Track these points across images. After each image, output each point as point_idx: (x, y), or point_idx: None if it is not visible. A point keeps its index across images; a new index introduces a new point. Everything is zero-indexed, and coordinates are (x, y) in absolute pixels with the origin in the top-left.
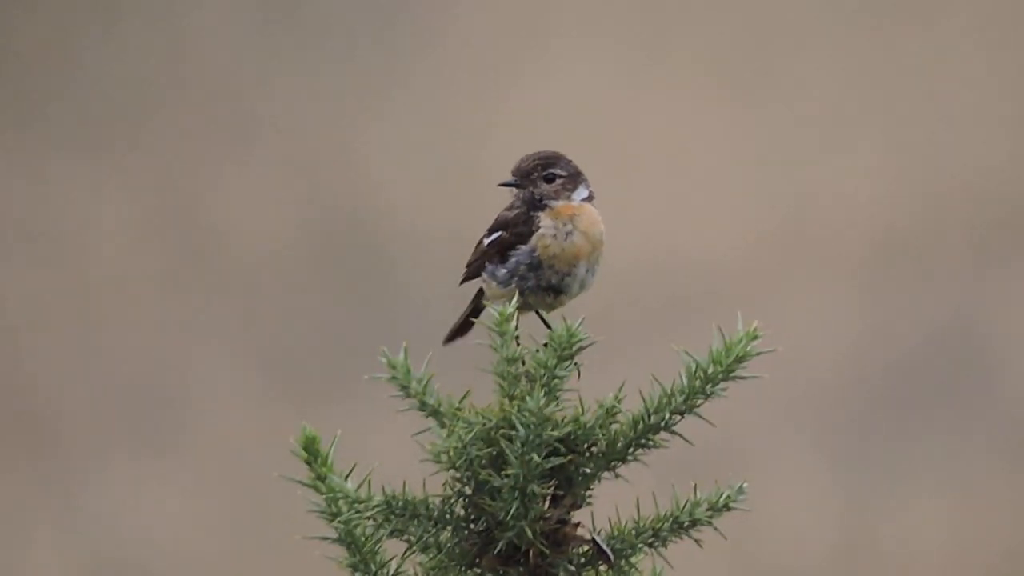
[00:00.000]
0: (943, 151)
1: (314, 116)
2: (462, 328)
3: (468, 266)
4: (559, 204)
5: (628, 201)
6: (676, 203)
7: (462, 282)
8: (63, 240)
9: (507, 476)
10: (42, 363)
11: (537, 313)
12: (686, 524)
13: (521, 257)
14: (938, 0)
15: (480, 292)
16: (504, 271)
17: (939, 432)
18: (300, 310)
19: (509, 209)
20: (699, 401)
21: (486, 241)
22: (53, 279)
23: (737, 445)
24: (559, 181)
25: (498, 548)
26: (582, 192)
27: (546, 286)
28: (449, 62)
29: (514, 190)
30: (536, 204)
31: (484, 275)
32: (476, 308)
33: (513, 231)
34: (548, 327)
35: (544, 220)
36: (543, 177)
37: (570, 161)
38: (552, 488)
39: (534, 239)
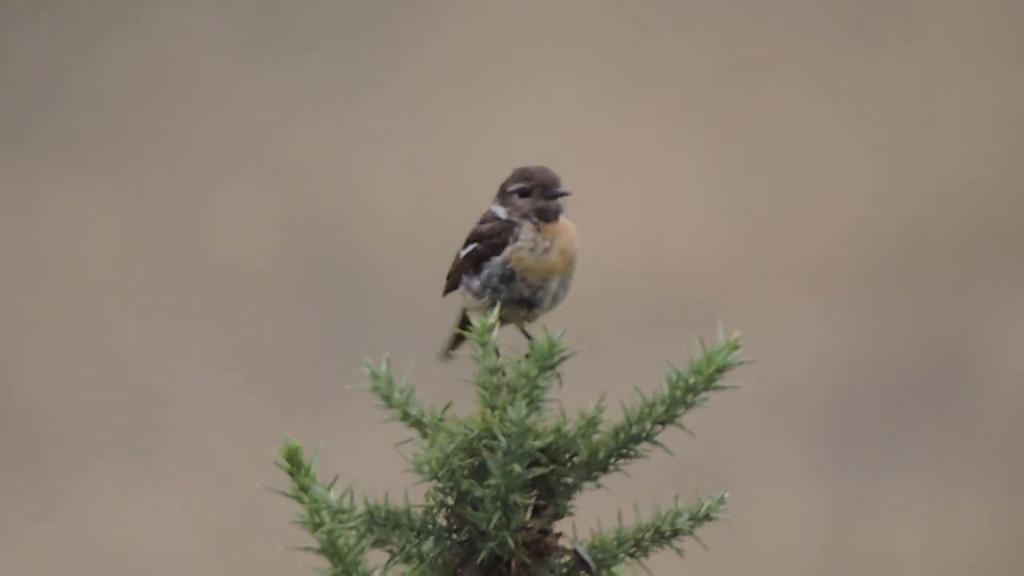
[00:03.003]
0: (922, 164)
1: (297, 131)
2: (456, 341)
3: (448, 278)
4: (557, 224)
5: (609, 213)
6: (656, 214)
7: (444, 294)
8: (47, 252)
9: (489, 486)
10: (27, 375)
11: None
12: (667, 534)
13: (493, 269)
14: (917, 18)
15: None
16: (477, 282)
17: (920, 442)
18: (283, 322)
19: (483, 222)
20: (680, 411)
21: (462, 253)
22: (38, 292)
23: (718, 455)
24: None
25: (480, 558)
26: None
27: (518, 299)
28: (433, 76)
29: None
30: (549, 215)
31: (461, 286)
32: (464, 319)
33: (487, 243)
34: (528, 337)
35: (525, 233)
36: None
37: None
38: (534, 498)
39: (508, 251)
